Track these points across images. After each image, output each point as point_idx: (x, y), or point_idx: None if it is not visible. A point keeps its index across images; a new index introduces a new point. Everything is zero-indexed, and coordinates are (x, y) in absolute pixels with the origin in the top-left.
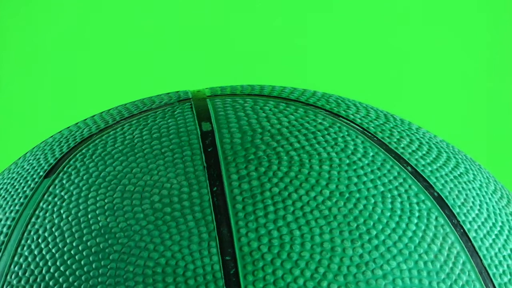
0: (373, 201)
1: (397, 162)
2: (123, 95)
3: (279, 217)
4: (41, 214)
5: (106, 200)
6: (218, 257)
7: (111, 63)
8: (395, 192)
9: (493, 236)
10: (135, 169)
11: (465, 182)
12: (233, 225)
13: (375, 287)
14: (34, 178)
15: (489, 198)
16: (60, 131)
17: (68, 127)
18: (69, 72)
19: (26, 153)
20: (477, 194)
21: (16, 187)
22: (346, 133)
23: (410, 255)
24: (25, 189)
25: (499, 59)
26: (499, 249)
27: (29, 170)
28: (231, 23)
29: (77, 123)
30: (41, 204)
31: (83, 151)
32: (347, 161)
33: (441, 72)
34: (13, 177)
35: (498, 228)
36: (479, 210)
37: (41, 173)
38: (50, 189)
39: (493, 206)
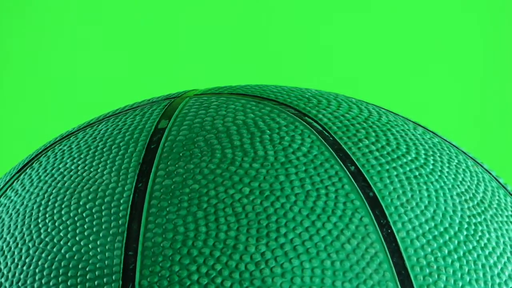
0: (293, 199)
1: (340, 162)
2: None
3: (190, 214)
4: None
5: (45, 195)
6: (121, 251)
7: (126, 64)
8: (323, 192)
9: (430, 237)
10: (81, 165)
11: (418, 183)
12: (143, 220)
13: (271, 285)
14: (12, 173)
15: (445, 200)
16: None
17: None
18: (71, 72)
19: None
20: (430, 195)
21: None
22: (299, 132)
23: (317, 254)
24: (1, 183)
25: (500, 57)
26: (432, 251)
27: (16, 165)
28: (249, 25)
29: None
30: (1, 198)
31: (55, 147)
32: (282, 160)
33: (442, 70)
34: (5, 172)
35: (441, 230)
36: (422, 211)
37: (19, 167)
38: (13, 184)
39: (446, 207)
